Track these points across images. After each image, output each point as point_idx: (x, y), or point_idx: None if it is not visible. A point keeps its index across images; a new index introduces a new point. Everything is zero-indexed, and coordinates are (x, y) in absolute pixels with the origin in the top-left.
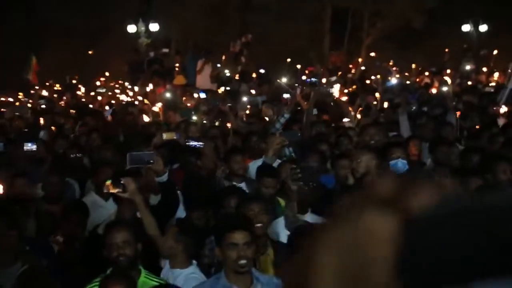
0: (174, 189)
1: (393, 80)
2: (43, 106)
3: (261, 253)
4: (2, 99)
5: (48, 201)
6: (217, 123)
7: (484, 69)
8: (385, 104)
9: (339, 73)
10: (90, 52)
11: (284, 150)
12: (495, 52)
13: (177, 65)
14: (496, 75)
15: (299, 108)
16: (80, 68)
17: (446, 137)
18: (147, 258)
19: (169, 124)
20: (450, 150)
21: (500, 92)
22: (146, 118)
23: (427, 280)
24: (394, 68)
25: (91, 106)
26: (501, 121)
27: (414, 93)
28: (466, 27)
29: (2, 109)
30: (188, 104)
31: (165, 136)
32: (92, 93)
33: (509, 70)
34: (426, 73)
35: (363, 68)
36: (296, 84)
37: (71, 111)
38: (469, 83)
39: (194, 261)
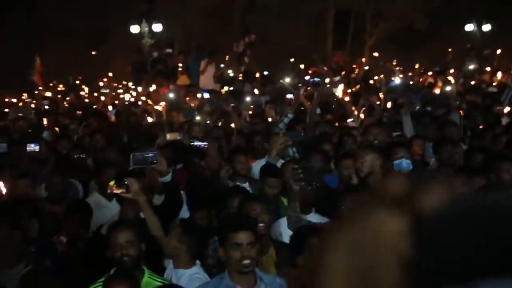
0: (177, 189)
1: (397, 80)
2: (47, 107)
3: (263, 253)
4: (6, 100)
5: (51, 202)
6: (220, 124)
7: (488, 68)
8: (389, 104)
9: (343, 73)
10: (93, 53)
11: (287, 150)
12: (498, 51)
13: (180, 65)
14: (499, 74)
15: (302, 108)
16: (83, 68)
17: (450, 136)
18: (151, 258)
19: (172, 124)
20: (454, 149)
21: (504, 91)
22: (149, 119)
23: (436, 279)
24: (397, 68)
25: (94, 106)
26: (505, 121)
27: (418, 93)
28: (469, 27)
29: (5, 110)
30: (192, 105)
31: (168, 136)
32: (96, 94)
33: None
34: (430, 73)
35: (366, 68)
36: (300, 84)
37: (78, 112)
38: (473, 82)
39: (197, 261)
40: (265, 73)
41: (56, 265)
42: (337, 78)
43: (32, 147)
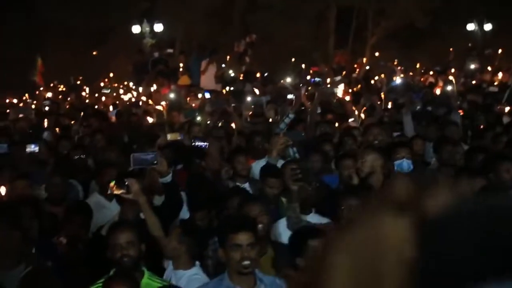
0: (177, 190)
1: (398, 80)
2: (47, 108)
3: (261, 254)
4: (6, 100)
5: (51, 203)
6: (220, 124)
7: (489, 68)
8: (389, 104)
9: (344, 72)
10: (94, 53)
11: (288, 151)
12: (499, 51)
13: (181, 65)
14: (500, 74)
15: (303, 108)
16: (84, 68)
17: (451, 136)
18: (151, 259)
19: (173, 124)
20: (455, 149)
21: (506, 91)
22: (150, 119)
23: (440, 282)
24: (398, 68)
25: (96, 107)
26: (505, 120)
27: (418, 93)
28: (470, 26)
29: (6, 111)
30: (193, 105)
31: (169, 137)
32: (96, 94)
33: None
34: (431, 73)
35: (367, 67)
36: (301, 84)
37: (81, 113)
38: (473, 82)
39: (197, 262)
40: (265, 74)
41: (56, 266)
42: (338, 78)
43: (32, 148)
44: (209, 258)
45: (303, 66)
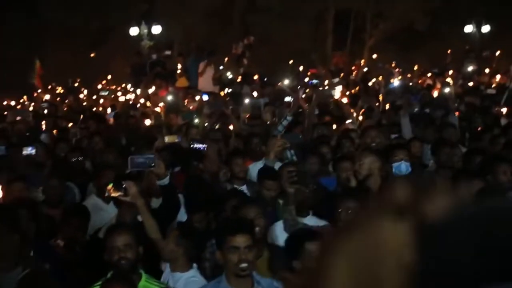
0: (175, 192)
1: (395, 82)
2: (46, 110)
3: (257, 257)
4: (4, 102)
5: (48, 205)
6: (217, 126)
7: (487, 70)
8: (387, 106)
9: (341, 74)
10: (92, 55)
11: (285, 153)
12: (497, 53)
13: (179, 67)
14: (498, 76)
15: (300, 110)
16: (82, 70)
17: (448, 138)
18: (148, 261)
19: (170, 127)
20: (453, 151)
21: (505, 93)
22: (147, 121)
23: (440, 286)
24: (396, 70)
25: (94, 109)
26: (503, 122)
27: (416, 95)
28: (468, 28)
29: (4, 113)
30: (191, 107)
31: (167, 139)
32: (94, 96)
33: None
34: (429, 75)
35: (365, 69)
36: (299, 87)
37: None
38: (471, 84)
39: (194, 265)
40: (265, 79)
41: (54, 268)
42: (335, 80)
43: (29, 150)
44: (206, 260)
45: (300, 68)
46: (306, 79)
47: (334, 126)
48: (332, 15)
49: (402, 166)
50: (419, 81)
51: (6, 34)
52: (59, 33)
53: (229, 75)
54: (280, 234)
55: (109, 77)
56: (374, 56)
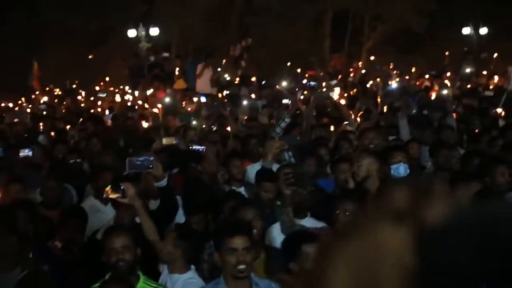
0: (173, 194)
1: (393, 84)
2: (44, 112)
3: (254, 258)
4: (2, 104)
5: (46, 206)
6: (214, 128)
7: (484, 72)
8: (385, 108)
9: (339, 76)
10: (90, 56)
11: (283, 155)
12: (495, 55)
13: (177, 69)
14: (496, 78)
15: (298, 112)
16: (81, 71)
17: (446, 140)
18: (146, 263)
19: (168, 129)
20: (451, 153)
21: (503, 95)
22: (145, 124)
23: (441, 286)
24: (394, 72)
25: (92, 111)
26: (501, 123)
27: (414, 96)
28: (466, 30)
29: (2, 114)
30: (188, 109)
31: (164, 141)
32: (92, 98)
33: (509, 73)
34: (426, 76)
35: (363, 71)
36: (297, 89)
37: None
38: (469, 86)
39: (192, 266)
40: (263, 82)
41: (53, 269)
42: (333, 82)
43: (26, 152)
44: (204, 262)
45: (298, 70)
46: (304, 81)
47: (332, 128)
48: (330, 17)
49: (401, 168)
50: (417, 83)
51: (6, 34)
52: (59, 33)
53: (227, 77)
54: (277, 235)
55: (107, 79)
56: (372, 58)
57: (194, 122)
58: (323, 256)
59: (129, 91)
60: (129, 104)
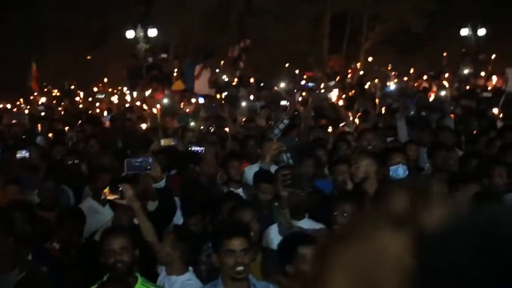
0: (171, 195)
1: (392, 85)
2: (43, 113)
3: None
4: (0, 105)
5: (43, 208)
6: (213, 129)
7: (482, 73)
8: (383, 109)
9: (338, 77)
10: (88, 57)
11: (281, 156)
12: (493, 56)
13: (175, 70)
14: (494, 79)
15: (296, 113)
16: (80, 72)
17: (445, 141)
18: (144, 264)
19: (166, 130)
20: (449, 154)
21: (502, 96)
22: (144, 125)
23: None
24: (392, 73)
25: (90, 112)
26: (499, 125)
27: (412, 98)
28: (464, 31)
29: (0, 116)
30: (187, 110)
31: (163, 142)
32: (90, 99)
33: (506, 75)
34: (425, 77)
35: (361, 72)
36: (295, 90)
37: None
38: (467, 87)
39: (190, 268)
40: (261, 84)
41: (51, 271)
42: (331, 83)
43: (23, 153)
44: (202, 263)
45: (297, 71)
46: (302, 82)
47: (330, 129)
48: (328, 18)
49: (399, 170)
50: (415, 84)
51: (6, 34)
52: (58, 33)
53: (225, 78)
54: (274, 237)
55: (105, 80)
56: (370, 59)
57: (192, 123)
58: (321, 260)
59: (127, 92)
60: (127, 105)
